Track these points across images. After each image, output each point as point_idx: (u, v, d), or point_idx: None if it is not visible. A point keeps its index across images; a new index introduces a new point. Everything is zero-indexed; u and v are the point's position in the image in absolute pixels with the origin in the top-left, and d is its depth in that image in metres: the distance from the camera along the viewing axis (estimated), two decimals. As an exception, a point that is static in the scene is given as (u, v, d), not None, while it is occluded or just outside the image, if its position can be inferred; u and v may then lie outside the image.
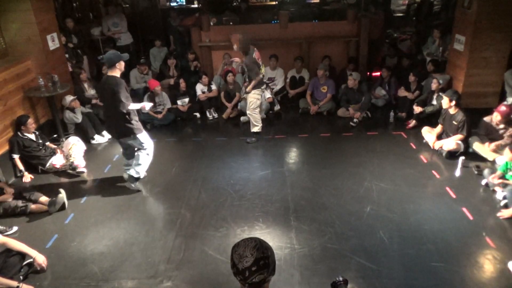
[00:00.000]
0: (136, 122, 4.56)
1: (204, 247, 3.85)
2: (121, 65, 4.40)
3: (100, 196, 4.77)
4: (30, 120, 5.21)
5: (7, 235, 3.85)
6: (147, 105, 4.77)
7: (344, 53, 7.97)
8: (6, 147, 5.17)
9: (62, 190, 4.58)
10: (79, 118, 6.11)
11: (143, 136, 4.67)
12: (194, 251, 3.81)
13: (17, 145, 5.10)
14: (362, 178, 4.90)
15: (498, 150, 4.92)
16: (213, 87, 7.22)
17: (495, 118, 5.04)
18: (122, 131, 4.55)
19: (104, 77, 4.57)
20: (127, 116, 4.42)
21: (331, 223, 4.11)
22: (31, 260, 3.54)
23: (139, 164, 4.75)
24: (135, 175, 4.77)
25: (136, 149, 4.78)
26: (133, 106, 4.46)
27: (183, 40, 9.20)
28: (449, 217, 4.15)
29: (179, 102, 6.93)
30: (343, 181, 4.87)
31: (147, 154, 4.77)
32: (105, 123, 5.42)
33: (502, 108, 4.98)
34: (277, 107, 6.95)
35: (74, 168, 5.25)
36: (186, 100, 6.99)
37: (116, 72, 4.39)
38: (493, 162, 4.87)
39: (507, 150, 4.44)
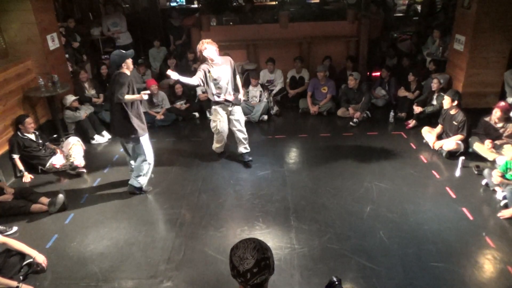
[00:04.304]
0: (138, 122, 4.39)
1: (204, 247, 3.85)
2: (128, 64, 4.29)
3: (100, 196, 4.76)
4: (29, 119, 5.20)
5: (7, 235, 3.85)
6: (144, 96, 4.41)
7: (344, 53, 7.96)
8: (6, 147, 5.16)
9: (62, 190, 4.59)
10: (81, 114, 6.11)
11: (145, 140, 4.50)
12: (194, 251, 3.81)
13: (17, 145, 5.10)
14: (362, 178, 4.90)
15: (495, 148, 4.93)
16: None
17: (494, 114, 5.04)
18: (122, 130, 4.42)
19: (113, 75, 4.43)
20: (129, 113, 4.31)
21: (331, 223, 4.11)
22: (31, 260, 3.54)
23: (139, 175, 4.62)
24: (137, 185, 4.66)
25: (136, 156, 4.60)
26: (130, 97, 4.28)
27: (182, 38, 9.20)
28: (449, 217, 4.15)
29: (177, 103, 6.97)
30: (343, 181, 4.87)
31: (149, 163, 4.60)
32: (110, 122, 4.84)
33: (502, 103, 5.01)
34: (275, 109, 6.95)
35: (74, 168, 5.25)
36: (183, 101, 7.04)
37: (124, 71, 4.31)
38: (493, 162, 4.88)
39: (508, 147, 4.45)
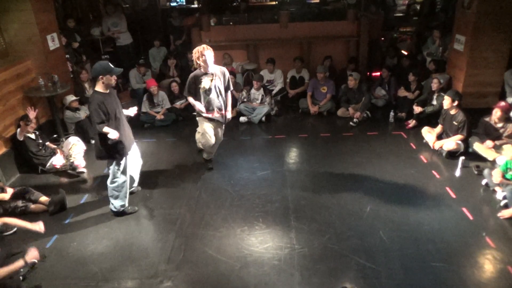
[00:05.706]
0: (111, 147, 3.93)
1: (204, 247, 3.85)
2: (107, 80, 3.78)
3: (100, 196, 4.76)
4: (32, 118, 5.21)
5: (6, 236, 3.85)
6: (114, 134, 3.83)
7: (344, 53, 7.97)
8: (6, 147, 5.16)
9: (62, 190, 4.58)
10: (81, 115, 6.11)
11: (121, 164, 4.07)
12: (194, 251, 3.81)
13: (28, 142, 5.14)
14: (362, 178, 4.90)
15: (495, 149, 4.94)
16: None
17: (495, 114, 5.04)
18: (97, 152, 4.07)
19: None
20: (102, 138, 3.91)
21: (331, 223, 4.11)
22: (31, 261, 3.53)
23: (111, 197, 4.24)
24: (113, 210, 4.29)
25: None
26: (106, 130, 3.80)
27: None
28: (449, 217, 4.15)
29: (177, 102, 6.97)
30: (343, 181, 4.87)
31: (121, 185, 4.16)
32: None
33: (502, 103, 5.02)
34: (274, 109, 6.94)
35: (74, 168, 5.26)
36: (183, 100, 7.03)
37: (100, 86, 3.82)
38: (493, 162, 4.88)
39: (508, 147, 4.45)
